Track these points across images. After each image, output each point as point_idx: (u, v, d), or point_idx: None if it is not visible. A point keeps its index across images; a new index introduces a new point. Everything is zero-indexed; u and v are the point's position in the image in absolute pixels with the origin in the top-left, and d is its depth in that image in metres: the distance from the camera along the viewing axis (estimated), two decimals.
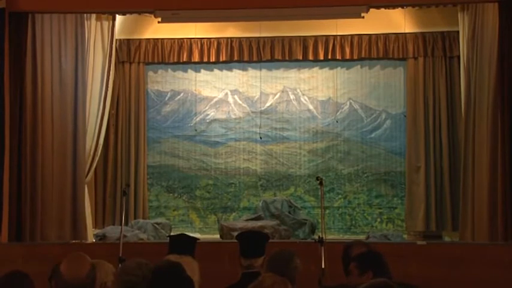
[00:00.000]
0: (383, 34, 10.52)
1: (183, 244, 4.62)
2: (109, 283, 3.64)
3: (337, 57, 10.60)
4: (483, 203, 8.78)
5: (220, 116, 10.92)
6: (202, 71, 10.93)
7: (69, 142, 9.61)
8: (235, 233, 7.83)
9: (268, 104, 10.89)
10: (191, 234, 5.78)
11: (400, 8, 9.81)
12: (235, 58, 10.73)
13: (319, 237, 6.69)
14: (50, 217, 9.19)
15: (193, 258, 4.24)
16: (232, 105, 10.92)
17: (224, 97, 10.93)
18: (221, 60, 10.73)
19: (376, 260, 4.06)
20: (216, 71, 10.92)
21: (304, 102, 10.83)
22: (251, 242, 4.60)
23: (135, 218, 10.26)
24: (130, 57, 10.80)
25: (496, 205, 8.38)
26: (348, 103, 10.76)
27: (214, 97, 10.94)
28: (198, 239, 4.88)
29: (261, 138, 10.83)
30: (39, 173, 9.07)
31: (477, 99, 9.19)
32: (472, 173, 9.17)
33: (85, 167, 9.81)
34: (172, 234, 8.78)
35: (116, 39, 10.46)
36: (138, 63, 10.85)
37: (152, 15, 9.25)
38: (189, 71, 10.95)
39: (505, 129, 8.26)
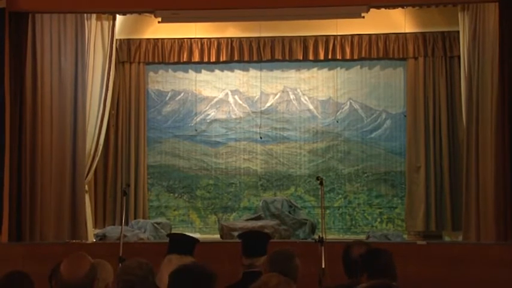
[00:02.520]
0: (383, 34, 10.51)
1: (183, 244, 4.60)
2: (110, 283, 3.65)
3: (337, 57, 10.59)
4: (488, 204, 8.74)
5: (221, 116, 10.91)
6: (202, 71, 10.93)
7: (69, 142, 9.61)
8: (236, 233, 7.81)
9: (268, 104, 10.88)
10: (191, 235, 5.77)
11: (400, 8, 9.81)
12: (236, 58, 10.72)
13: (319, 237, 6.69)
14: (49, 217, 9.19)
15: (193, 258, 4.23)
16: (233, 105, 10.92)
17: (224, 97, 10.92)
18: (221, 60, 10.72)
19: (379, 257, 4.02)
20: (216, 71, 10.92)
21: (305, 102, 10.82)
22: (253, 241, 4.60)
23: (135, 218, 10.26)
24: (131, 57, 10.80)
25: (503, 205, 8.35)
26: (348, 103, 10.75)
27: (215, 97, 10.93)
28: (198, 240, 4.86)
29: (261, 138, 10.82)
30: (39, 173, 9.07)
31: (479, 100, 9.16)
32: (475, 174, 9.13)
33: (85, 167, 9.81)
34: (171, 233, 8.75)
35: (116, 39, 10.46)
36: (139, 63, 10.84)
37: (152, 15, 9.26)
38: (190, 71, 10.95)
39: (506, 130, 8.24)
